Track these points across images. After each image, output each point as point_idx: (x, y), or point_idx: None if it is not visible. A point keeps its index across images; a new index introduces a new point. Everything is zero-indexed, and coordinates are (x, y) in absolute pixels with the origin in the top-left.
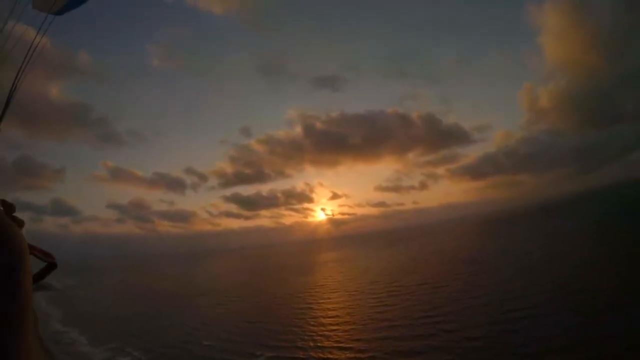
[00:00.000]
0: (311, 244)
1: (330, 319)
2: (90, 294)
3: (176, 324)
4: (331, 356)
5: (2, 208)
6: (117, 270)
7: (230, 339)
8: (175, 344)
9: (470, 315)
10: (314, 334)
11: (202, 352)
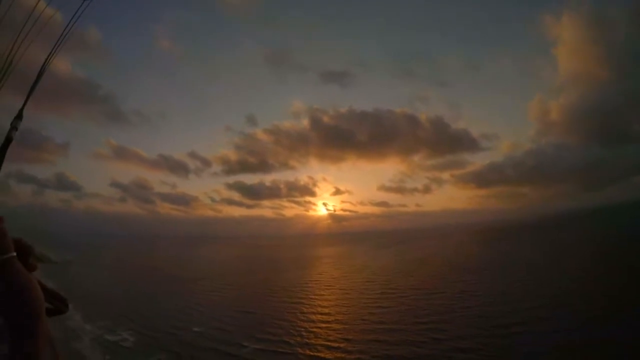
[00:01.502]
0: (310, 238)
1: (321, 316)
2: (88, 271)
3: (169, 308)
4: (317, 354)
5: (14, 254)
6: (116, 249)
7: (221, 327)
8: (165, 328)
9: (462, 326)
10: (303, 329)
11: (190, 339)
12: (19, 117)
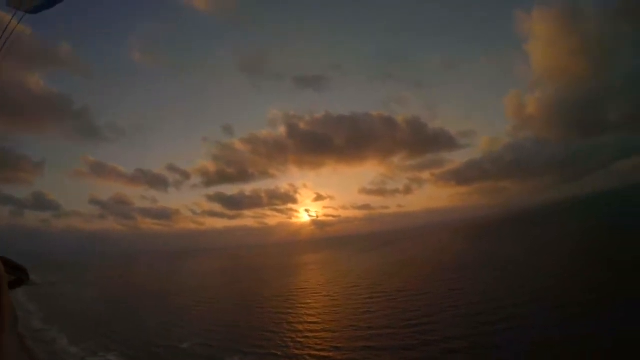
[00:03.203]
0: (295, 245)
1: (309, 325)
2: (71, 291)
3: (152, 324)
4: None
5: None
6: (99, 267)
7: (205, 343)
8: (149, 346)
9: (450, 326)
10: (290, 340)
11: (176, 356)
12: None
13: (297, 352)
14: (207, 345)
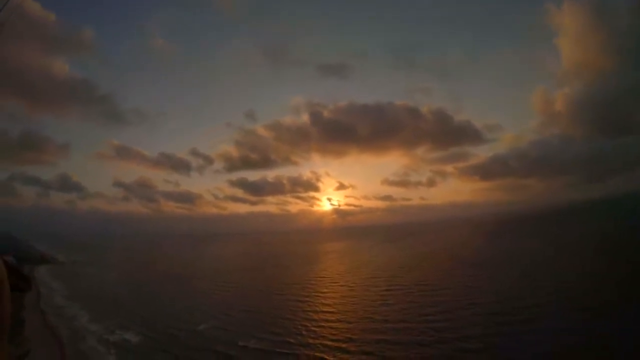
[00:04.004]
0: (316, 233)
1: (324, 314)
2: (94, 271)
3: (172, 307)
4: (319, 355)
5: None
6: (121, 248)
7: (222, 327)
8: (167, 328)
9: (468, 324)
10: (305, 328)
11: (191, 339)
12: None
13: (310, 340)
14: (223, 329)
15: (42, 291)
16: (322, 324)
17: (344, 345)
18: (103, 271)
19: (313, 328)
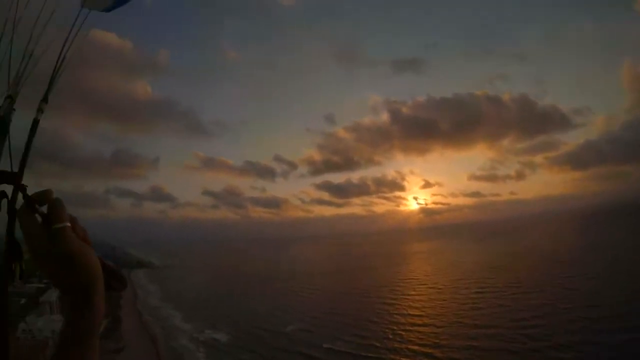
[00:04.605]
0: (402, 233)
1: (411, 317)
2: (186, 274)
3: (259, 309)
4: None
5: (69, 224)
6: (212, 253)
7: (307, 329)
8: (256, 326)
9: (564, 332)
10: (391, 331)
11: (277, 339)
12: (44, 100)
13: (396, 345)
14: (308, 331)
15: (139, 293)
16: (409, 328)
17: (430, 351)
18: (195, 274)
19: (399, 332)
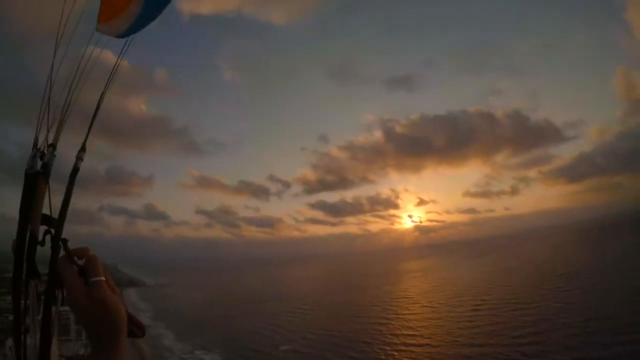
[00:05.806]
0: (397, 252)
1: (405, 337)
2: (179, 293)
3: (253, 328)
4: None
5: (104, 279)
6: (205, 272)
7: (299, 349)
8: (247, 347)
9: (562, 348)
10: (382, 352)
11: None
12: (82, 149)
13: None
14: (300, 352)
15: (130, 312)
16: (402, 348)
17: None
18: (188, 293)
19: (392, 352)
